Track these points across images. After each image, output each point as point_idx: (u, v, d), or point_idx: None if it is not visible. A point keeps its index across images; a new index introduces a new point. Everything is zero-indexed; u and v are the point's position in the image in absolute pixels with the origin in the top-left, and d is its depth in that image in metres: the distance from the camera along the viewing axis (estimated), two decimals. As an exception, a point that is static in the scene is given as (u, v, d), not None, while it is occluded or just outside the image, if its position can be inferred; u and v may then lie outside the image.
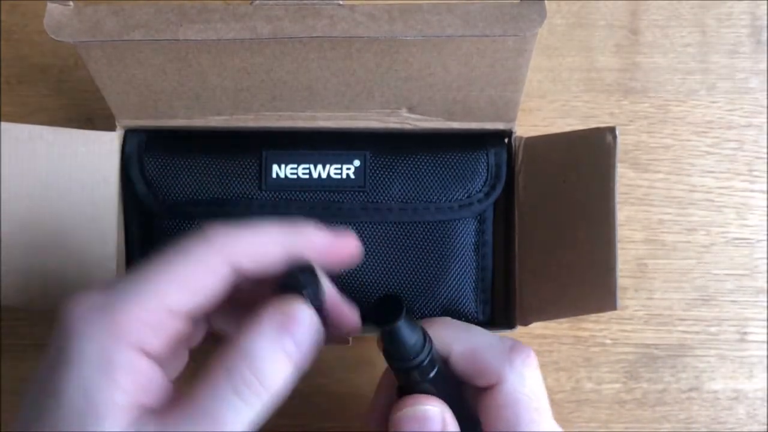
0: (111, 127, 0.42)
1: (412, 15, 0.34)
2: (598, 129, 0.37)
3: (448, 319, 0.34)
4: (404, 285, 0.42)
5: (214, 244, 0.28)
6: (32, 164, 0.39)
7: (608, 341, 0.46)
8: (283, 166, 0.42)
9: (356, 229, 0.42)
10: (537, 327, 0.46)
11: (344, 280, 0.42)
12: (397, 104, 0.40)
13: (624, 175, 0.47)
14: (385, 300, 0.29)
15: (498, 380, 0.30)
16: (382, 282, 0.42)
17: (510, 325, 0.42)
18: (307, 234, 0.31)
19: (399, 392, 0.32)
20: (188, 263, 0.27)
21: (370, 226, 0.42)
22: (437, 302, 0.42)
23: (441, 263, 0.42)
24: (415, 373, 0.29)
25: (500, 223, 0.44)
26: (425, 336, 0.30)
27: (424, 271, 0.42)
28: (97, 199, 0.40)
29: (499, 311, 0.44)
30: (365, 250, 0.42)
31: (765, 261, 0.47)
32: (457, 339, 0.31)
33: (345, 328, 0.33)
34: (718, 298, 0.46)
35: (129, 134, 0.43)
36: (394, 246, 0.42)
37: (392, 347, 0.29)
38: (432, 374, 0.30)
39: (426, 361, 0.29)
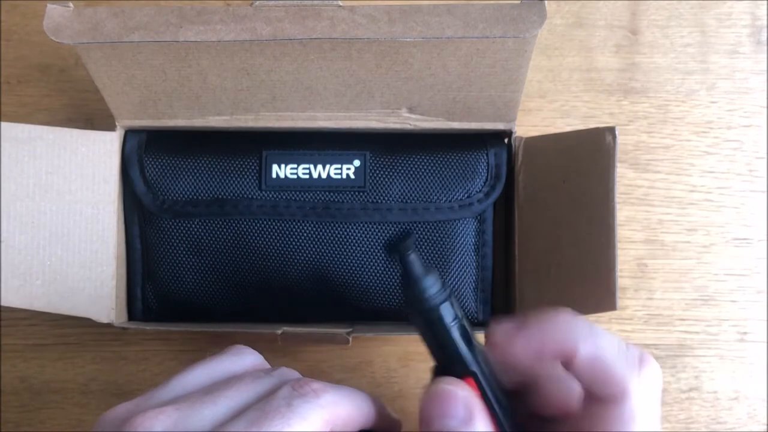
0: (111, 127, 0.42)
1: (411, 16, 0.34)
2: (597, 129, 0.37)
3: (569, 311, 0.30)
4: (404, 285, 0.42)
5: (325, 407, 0.27)
6: (32, 164, 0.39)
7: (608, 341, 0.46)
8: (283, 166, 0.42)
9: (356, 229, 0.42)
10: (537, 327, 0.46)
11: (344, 281, 0.42)
12: (397, 104, 0.40)
13: (624, 175, 0.47)
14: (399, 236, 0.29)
15: (623, 394, 0.27)
16: (382, 282, 0.42)
17: (510, 325, 0.42)
18: (381, 408, 0.31)
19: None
20: (302, 427, 0.26)
21: (370, 226, 0.42)
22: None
23: (441, 263, 0.42)
24: (439, 317, 0.28)
25: (500, 223, 0.44)
26: (443, 282, 0.29)
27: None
28: (97, 199, 0.40)
29: (499, 311, 0.44)
30: (365, 250, 0.42)
31: (765, 261, 0.47)
32: (583, 338, 0.28)
33: None
34: (718, 298, 0.46)
35: (129, 134, 0.43)
36: (394, 246, 0.42)
37: (409, 279, 0.28)
38: (457, 319, 0.29)
39: (444, 304, 0.28)
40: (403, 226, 0.42)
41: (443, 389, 0.28)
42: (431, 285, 0.29)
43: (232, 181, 0.42)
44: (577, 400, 0.29)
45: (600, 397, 0.28)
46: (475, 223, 0.43)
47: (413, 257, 0.28)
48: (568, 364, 0.28)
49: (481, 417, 0.27)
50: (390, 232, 0.42)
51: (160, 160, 0.42)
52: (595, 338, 0.28)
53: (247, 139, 0.43)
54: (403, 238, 0.29)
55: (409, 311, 0.29)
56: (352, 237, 0.42)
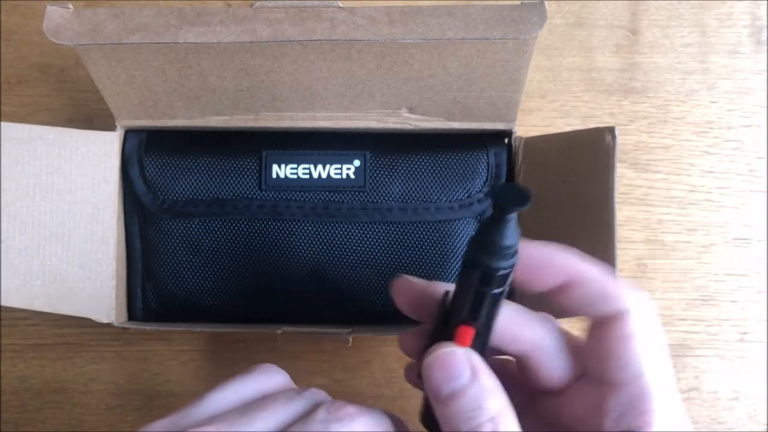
0: (111, 127, 0.42)
1: (412, 18, 0.34)
2: (597, 129, 0.37)
3: (557, 244, 0.31)
4: (404, 285, 0.42)
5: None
6: (32, 164, 0.39)
7: (608, 341, 0.46)
8: (283, 166, 0.42)
9: (356, 229, 0.42)
10: (537, 327, 0.46)
11: (344, 281, 0.42)
12: (397, 105, 0.40)
13: (624, 175, 0.47)
14: (509, 186, 0.26)
15: (626, 307, 0.28)
16: (382, 282, 0.42)
17: (510, 325, 0.42)
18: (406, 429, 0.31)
19: (441, 321, 0.29)
20: None
21: (370, 226, 0.42)
22: (437, 302, 0.42)
23: (441, 263, 0.42)
24: (496, 278, 0.27)
25: (500, 224, 0.44)
26: (517, 249, 0.27)
27: (424, 271, 0.42)
28: (97, 199, 0.40)
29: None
30: (365, 250, 0.42)
31: (765, 261, 0.47)
32: (585, 262, 0.29)
33: None
34: (718, 298, 0.46)
35: (129, 134, 0.43)
36: (394, 246, 0.42)
37: (497, 237, 0.26)
38: (501, 291, 0.28)
39: (510, 270, 0.27)
40: (403, 227, 0.42)
41: (444, 353, 0.28)
42: (515, 251, 0.27)
43: (232, 181, 0.42)
44: (569, 373, 0.30)
45: (599, 321, 0.28)
46: (475, 223, 0.43)
47: (515, 219, 0.26)
48: (567, 288, 0.29)
49: (485, 369, 0.28)
50: (390, 232, 0.42)
51: (160, 160, 0.42)
52: (589, 260, 0.29)
53: (247, 139, 0.43)
54: (522, 196, 0.26)
55: (482, 260, 0.27)
56: (352, 237, 0.42)
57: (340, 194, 0.42)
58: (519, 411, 0.33)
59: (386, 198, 0.42)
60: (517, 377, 0.33)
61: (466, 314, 0.28)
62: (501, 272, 0.27)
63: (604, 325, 0.28)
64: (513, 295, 0.33)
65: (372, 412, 0.29)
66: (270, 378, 0.31)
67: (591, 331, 0.29)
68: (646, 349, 0.28)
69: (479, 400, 0.27)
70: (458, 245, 0.42)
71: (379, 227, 0.42)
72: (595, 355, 0.29)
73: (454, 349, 0.28)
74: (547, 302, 0.30)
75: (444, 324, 0.29)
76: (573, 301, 0.29)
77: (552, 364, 0.31)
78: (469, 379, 0.27)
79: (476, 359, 0.28)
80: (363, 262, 0.42)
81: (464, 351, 0.28)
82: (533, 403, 0.33)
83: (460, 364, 0.27)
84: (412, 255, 0.42)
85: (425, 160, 0.42)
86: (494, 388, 0.27)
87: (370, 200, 0.42)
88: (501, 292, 0.28)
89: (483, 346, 0.29)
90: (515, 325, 0.30)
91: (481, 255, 0.26)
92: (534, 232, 0.41)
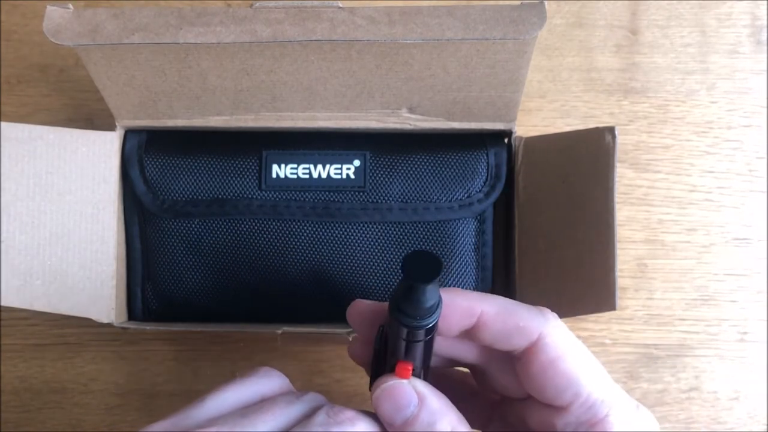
0: (111, 127, 0.42)
1: (412, 18, 0.34)
2: (597, 129, 0.37)
3: (459, 289, 0.32)
4: (404, 285, 0.42)
5: None
6: (32, 164, 0.39)
7: (608, 341, 0.46)
8: (283, 166, 0.42)
9: (356, 229, 0.42)
10: (537, 327, 0.46)
11: (344, 280, 0.42)
12: (397, 105, 0.40)
13: (624, 175, 0.47)
14: (420, 254, 0.26)
15: (539, 335, 0.29)
16: (382, 282, 0.42)
17: (510, 325, 0.42)
18: None
19: (377, 354, 0.31)
20: None
21: (370, 226, 0.42)
22: (437, 302, 0.42)
23: (441, 263, 0.42)
24: (420, 333, 0.28)
25: (500, 223, 0.44)
26: (440, 299, 0.28)
27: (424, 271, 0.42)
28: (97, 199, 0.40)
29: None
30: (365, 250, 0.42)
31: (765, 261, 0.47)
32: (486, 301, 0.29)
33: None
34: (718, 298, 0.46)
35: (129, 134, 0.43)
36: (394, 246, 0.42)
37: (413, 305, 0.27)
38: (430, 336, 0.28)
39: (434, 323, 0.28)
40: (403, 227, 0.42)
41: (390, 386, 0.29)
42: (434, 309, 0.27)
43: (232, 181, 0.42)
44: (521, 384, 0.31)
45: (520, 353, 0.29)
46: (475, 223, 0.43)
47: (434, 286, 0.27)
48: (477, 329, 0.29)
49: (430, 393, 0.29)
50: (390, 232, 0.42)
51: (160, 160, 0.42)
52: (495, 299, 0.29)
53: (247, 139, 0.43)
54: (432, 267, 0.26)
55: (402, 321, 0.28)
56: (352, 237, 0.42)
57: (340, 194, 0.42)
58: (485, 419, 0.34)
59: (386, 198, 0.42)
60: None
61: (402, 357, 0.29)
62: (426, 327, 0.27)
63: (527, 356, 0.29)
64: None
65: (370, 416, 0.29)
66: (270, 381, 0.31)
67: (518, 363, 0.30)
68: (573, 366, 0.28)
69: (431, 424, 0.28)
70: (458, 245, 0.42)
71: (379, 227, 0.42)
72: (531, 385, 0.29)
73: (400, 381, 0.29)
74: (472, 341, 0.31)
75: (384, 359, 0.30)
76: (488, 339, 0.30)
77: (500, 378, 0.31)
78: (417, 406, 0.28)
79: (420, 386, 0.29)
80: (363, 262, 0.42)
81: (408, 381, 0.29)
82: (499, 409, 0.33)
83: (407, 394, 0.28)
84: (412, 255, 0.42)
85: (425, 160, 0.42)
86: (443, 409, 0.29)
87: (370, 200, 0.42)
88: (431, 337, 0.28)
89: (426, 369, 0.30)
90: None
91: (403, 317, 0.27)
92: (534, 232, 0.41)
